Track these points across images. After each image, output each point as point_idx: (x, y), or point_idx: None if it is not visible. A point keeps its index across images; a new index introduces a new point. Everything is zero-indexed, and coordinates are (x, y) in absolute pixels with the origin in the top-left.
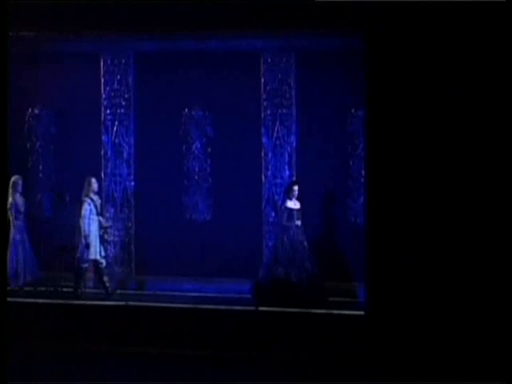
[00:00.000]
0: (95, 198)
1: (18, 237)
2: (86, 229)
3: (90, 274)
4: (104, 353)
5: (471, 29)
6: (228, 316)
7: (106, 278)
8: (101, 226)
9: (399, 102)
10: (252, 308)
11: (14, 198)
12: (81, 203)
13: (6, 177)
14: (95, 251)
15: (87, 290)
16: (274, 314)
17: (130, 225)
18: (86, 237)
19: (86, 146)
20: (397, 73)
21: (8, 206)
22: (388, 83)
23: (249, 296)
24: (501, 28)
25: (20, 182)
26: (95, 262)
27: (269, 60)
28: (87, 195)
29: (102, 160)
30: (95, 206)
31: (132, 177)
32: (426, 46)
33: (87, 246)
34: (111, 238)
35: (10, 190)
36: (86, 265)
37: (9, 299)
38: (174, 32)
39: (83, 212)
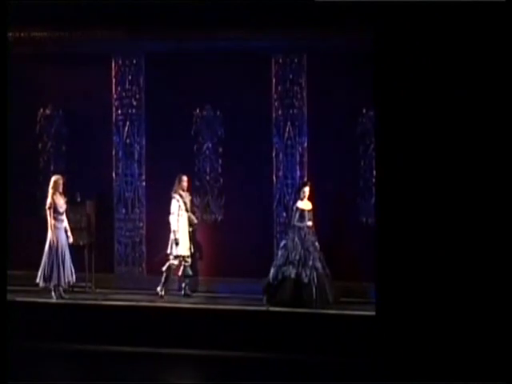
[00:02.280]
0: (184, 194)
1: (55, 237)
2: (175, 225)
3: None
4: (114, 353)
5: (476, 29)
6: (239, 316)
7: (187, 280)
8: (190, 224)
9: (409, 102)
10: (263, 308)
11: (54, 199)
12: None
13: (5, 177)
14: (184, 247)
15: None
16: (284, 314)
17: (140, 225)
18: (175, 232)
19: (98, 146)
20: (406, 72)
21: (47, 205)
22: (397, 82)
23: (260, 296)
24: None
25: (61, 182)
26: (182, 258)
27: (280, 60)
28: (176, 192)
29: (113, 160)
30: (184, 203)
31: (143, 177)
32: (434, 46)
33: (177, 242)
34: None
35: (50, 190)
36: (175, 262)
37: (16, 299)
38: (184, 32)
39: (172, 208)
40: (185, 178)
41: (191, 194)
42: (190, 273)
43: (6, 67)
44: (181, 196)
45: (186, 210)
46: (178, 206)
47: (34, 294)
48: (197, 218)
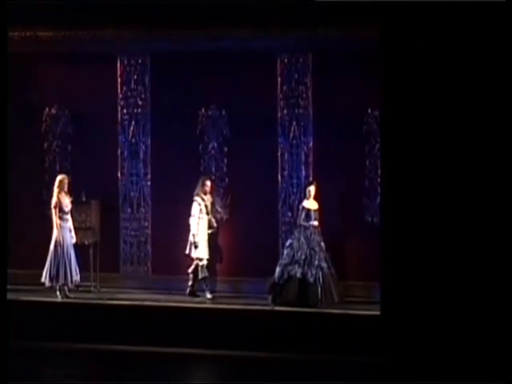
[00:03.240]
0: (206, 197)
1: (61, 237)
2: (195, 228)
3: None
4: (118, 352)
5: (476, 29)
6: (244, 315)
7: (204, 281)
8: (210, 226)
9: (414, 102)
10: (268, 307)
11: (59, 198)
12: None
13: (5, 176)
14: (203, 250)
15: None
16: (290, 313)
17: (146, 224)
18: (194, 236)
19: (103, 145)
20: (411, 72)
21: (52, 204)
22: (402, 82)
23: (265, 295)
24: None
25: (66, 181)
26: (199, 260)
27: (285, 60)
28: (198, 194)
29: (119, 160)
30: (205, 206)
31: (148, 176)
32: (437, 46)
33: (195, 245)
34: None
35: (56, 190)
36: (201, 262)
37: (21, 299)
38: (189, 32)
39: (193, 211)
40: (208, 183)
41: (213, 197)
42: (207, 274)
43: (6, 67)
44: (202, 199)
45: (207, 213)
46: (199, 210)
47: (38, 293)
48: (216, 222)
